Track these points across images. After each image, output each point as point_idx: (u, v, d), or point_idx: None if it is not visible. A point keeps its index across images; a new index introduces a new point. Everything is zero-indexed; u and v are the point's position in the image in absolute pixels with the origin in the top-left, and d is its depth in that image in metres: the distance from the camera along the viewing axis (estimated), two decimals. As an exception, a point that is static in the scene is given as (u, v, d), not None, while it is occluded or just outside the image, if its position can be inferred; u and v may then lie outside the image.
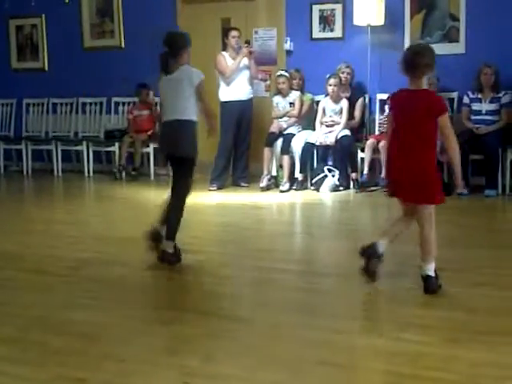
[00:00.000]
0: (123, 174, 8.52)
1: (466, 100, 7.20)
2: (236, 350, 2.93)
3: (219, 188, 7.55)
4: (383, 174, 7.23)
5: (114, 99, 9.11)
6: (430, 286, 3.61)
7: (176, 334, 3.14)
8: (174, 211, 4.42)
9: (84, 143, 8.86)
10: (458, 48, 7.46)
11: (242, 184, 7.79)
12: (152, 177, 8.54)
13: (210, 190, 7.48)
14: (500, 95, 7.06)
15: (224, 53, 7.63)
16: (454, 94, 7.39)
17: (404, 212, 3.84)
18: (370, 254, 3.70)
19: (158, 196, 7.69)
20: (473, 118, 7.13)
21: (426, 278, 3.63)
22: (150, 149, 8.50)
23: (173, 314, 3.39)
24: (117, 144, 8.62)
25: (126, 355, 2.87)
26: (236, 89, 7.62)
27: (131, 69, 8.82)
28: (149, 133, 8.58)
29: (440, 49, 7.44)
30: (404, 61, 3.74)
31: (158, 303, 3.61)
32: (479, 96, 7.12)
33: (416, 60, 3.67)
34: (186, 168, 4.47)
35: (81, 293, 3.78)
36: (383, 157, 7.15)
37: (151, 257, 4.40)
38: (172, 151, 4.49)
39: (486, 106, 7.09)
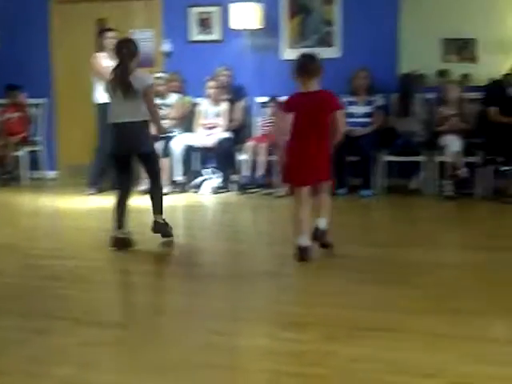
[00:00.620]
0: (-5, 178, 8.14)
1: (341, 103, 7.40)
2: (114, 356, 2.85)
3: (97, 192, 7.35)
4: (280, 172, 7.32)
5: (-16, 101, 8.68)
6: (321, 239, 4.49)
7: (50, 343, 3.00)
8: (158, 192, 5.09)
9: (-49, 147, 8.38)
10: (334, 52, 7.66)
11: (122, 187, 7.62)
12: (26, 181, 8.20)
13: (88, 194, 7.28)
14: (374, 98, 7.31)
15: (100, 54, 7.43)
16: (331, 97, 7.57)
17: (304, 199, 4.36)
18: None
19: (31, 200, 7.42)
20: (348, 120, 7.32)
21: (321, 231, 4.50)
22: (23, 152, 8.17)
23: (46, 323, 3.25)
24: (-14, 148, 8.21)
25: (1, 367, 2.72)
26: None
27: (1, 69, 8.44)
28: (21, 136, 8.25)
29: (316, 52, 7.66)
30: (299, 66, 4.36)
31: (30, 312, 3.44)
32: (354, 99, 7.34)
33: (311, 65, 4.35)
34: (152, 160, 5.07)
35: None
36: (279, 156, 7.21)
37: (23, 264, 4.22)
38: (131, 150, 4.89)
39: (360, 109, 7.32)
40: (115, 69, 4.85)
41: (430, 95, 7.26)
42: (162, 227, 5.02)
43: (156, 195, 5.09)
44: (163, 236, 5.01)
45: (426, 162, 6.96)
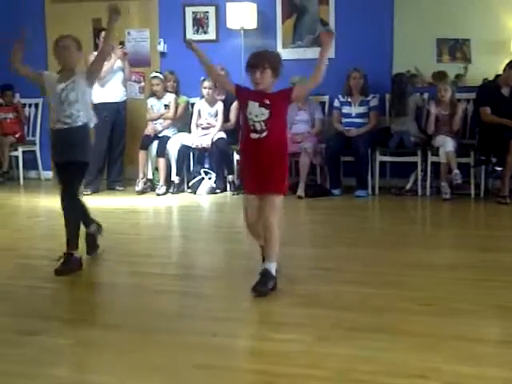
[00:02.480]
0: (-10, 178, 8.16)
1: (336, 103, 7.43)
2: (107, 357, 2.86)
3: (93, 192, 7.37)
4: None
5: (-21, 101, 8.70)
6: (265, 283, 3.59)
7: (43, 344, 3.01)
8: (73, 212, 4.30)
9: None
10: (329, 52, 7.66)
11: (117, 188, 7.65)
12: (21, 181, 8.23)
13: (84, 195, 7.29)
14: (368, 98, 7.34)
15: (95, 53, 7.43)
16: (325, 98, 7.61)
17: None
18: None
19: (28, 201, 7.45)
20: (343, 120, 7.37)
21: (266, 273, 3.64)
22: (19, 152, 8.20)
23: (38, 324, 3.25)
24: (-18, 148, 8.23)
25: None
26: (109, 91, 7.47)
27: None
28: (17, 135, 8.28)
29: (311, 53, 7.69)
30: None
31: (22, 313, 3.45)
32: (349, 99, 7.37)
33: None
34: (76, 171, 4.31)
35: None
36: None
37: (17, 265, 4.23)
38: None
39: (355, 109, 7.35)
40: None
41: (424, 95, 7.30)
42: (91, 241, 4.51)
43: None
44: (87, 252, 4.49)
45: (421, 162, 6.99)
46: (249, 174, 3.80)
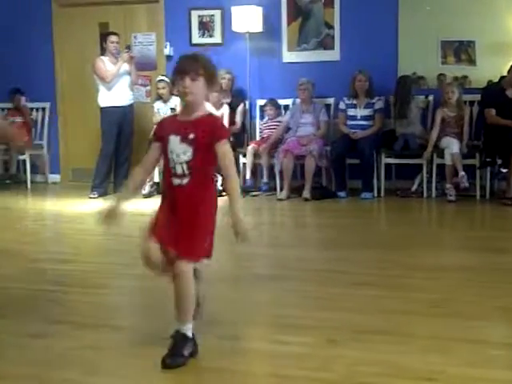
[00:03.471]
0: (-3, 182, 8.22)
1: (341, 106, 7.45)
2: (118, 360, 2.87)
3: (100, 195, 7.40)
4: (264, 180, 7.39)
5: (-13, 105, 8.76)
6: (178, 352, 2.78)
7: (52, 347, 3.03)
8: None
9: (-45, 151, 8.46)
10: (333, 55, 7.71)
11: (124, 191, 7.68)
12: (29, 185, 8.27)
13: (91, 198, 7.33)
14: (374, 101, 7.36)
15: (103, 57, 7.50)
16: (331, 100, 7.63)
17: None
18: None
19: (34, 205, 7.48)
20: (349, 123, 7.39)
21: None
22: (26, 156, 8.24)
23: (47, 327, 3.27)
24: (-10, 151, 8.29)
25: (3, 372, 2.76)
26: (116, 94, 7.50)
27: (5, 73, 8.51)
28: (24, 140, 8.31)
29: (316, 56, 7.74)
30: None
31: (30, 316, 3.47)
32: (354, 102, 7.39)
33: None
34: None
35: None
36: (264, 161, 7.31)
37: (25, 269, 4.26)
38: None
39: (360, 112, 7.36)
40: None
41: (430, 97, 7.32)
42: None
43: None
44: None
45: (427, 164, 7.00)
46: (163, 221, 2.86)
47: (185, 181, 2.77)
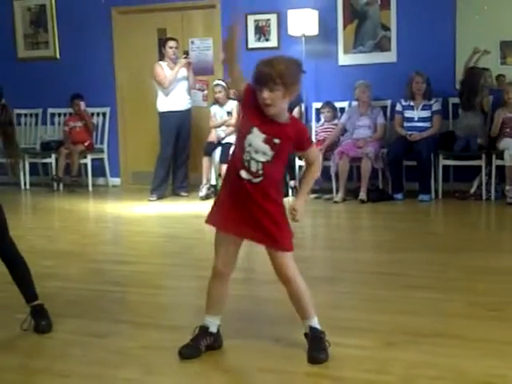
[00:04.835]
0: (61, 185, 8.42)
1: (398, 107, 7.40)
2: (174, 360, 2.92)
3: (159, 198, 7.53)
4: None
5: (50, 110, 8.99)
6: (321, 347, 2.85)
7: (114, 346, 3.11)
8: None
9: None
10: (390, 57, 7.66)
11: (182, 194, 7.79)
12: (90, 188, 8.47)
13: (150, 201, 7.46)
14: (431, 102, 7.27)
15: (162, 63, 7.63)
16: (388, 102, 7.58)
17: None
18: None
19: (95, 207, 7.67)
20: (406, 125, 7.33)
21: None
22: (88, 160, 8.44)
23: (108, 327, 3.36)
24: (53, 155, 8.51)
25: (68, 370, 2.84)
26: (174, 99, 7.62)
27: (66, 79, 8.73)
28: (86, 143, 8.53)
29: (372, 58, 7.70)
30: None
31: (92, 316, 3.57)
32: (411, 103, 7.32)
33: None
34: None
35: (15, 308, 3.70)
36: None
37: (86, 269, 4.38)
38: None
39: (418, 113, 7.29)
40: None
41: (489, 98, 7.20)
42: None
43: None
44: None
45: (485, 165, 6.88)
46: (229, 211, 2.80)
47: (257, 180, 2.71)
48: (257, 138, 2.67)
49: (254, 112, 2.69)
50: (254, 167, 2.69)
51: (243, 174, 2.71)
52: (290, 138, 2.72)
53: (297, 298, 2.88)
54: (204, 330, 2.94)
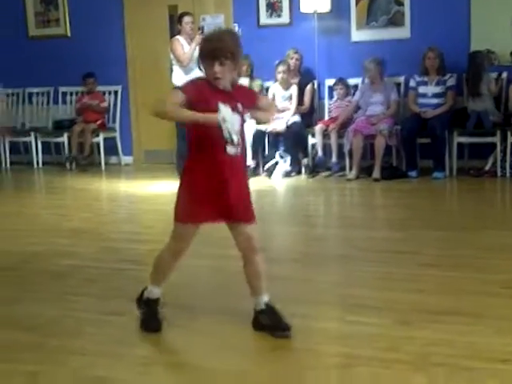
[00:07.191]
0: (73, 164, 8.44)
1: (412, 83, 7.33)
2: (188, 338, 2.94)
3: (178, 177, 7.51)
4: (334, 159, 7.37)
5: (62, 89, 8.99)
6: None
7: (127, 324, 3.12)
8: None
9: (32, 134, 8.74)
10: (404, 32, 7.58)
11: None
12: (103, 167, 8.48)
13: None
14: (445, 78, 7.21)
15: (180, 37, 7.44)
16: (401, 79, 7.52)
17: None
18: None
19: (109, 186, 7.68)
20: (420, 101, 7.26)
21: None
22: (100, 138, 8.44)
23: (123, 305, 3.36)
24: (66, 134, 8.52)
25: (85, 349, 2.86)
26: (191, 76, 7.52)
27: (78, 57, 8.71)
28: (98, 122, 8.52)
29: (386, 34, 7.63)
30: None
31: (107, 294, 3.59)
32: (425, 79, 7.25)
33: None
34: None
35: (30, 286, 3.73)
36: (333, 140, 7.30)
37: (101, 248, 4.40)
38: None
39: (432, 89, 7.23)
40: None
41: (503, 74, 7.12)
42: None
43: None
44: None
45: (500, 142, 6.83)
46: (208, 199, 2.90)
47: (239, 149, 2.78)
48: (225, 110, 2.69)
49: (206, 95, 2.73)
50: (235, 138, 2.74)
51: (230, 149, 2.76)
52: (243, 99, 2.81)
53: (259, 272, 2.95)
54: (154, 301, 3.07)
